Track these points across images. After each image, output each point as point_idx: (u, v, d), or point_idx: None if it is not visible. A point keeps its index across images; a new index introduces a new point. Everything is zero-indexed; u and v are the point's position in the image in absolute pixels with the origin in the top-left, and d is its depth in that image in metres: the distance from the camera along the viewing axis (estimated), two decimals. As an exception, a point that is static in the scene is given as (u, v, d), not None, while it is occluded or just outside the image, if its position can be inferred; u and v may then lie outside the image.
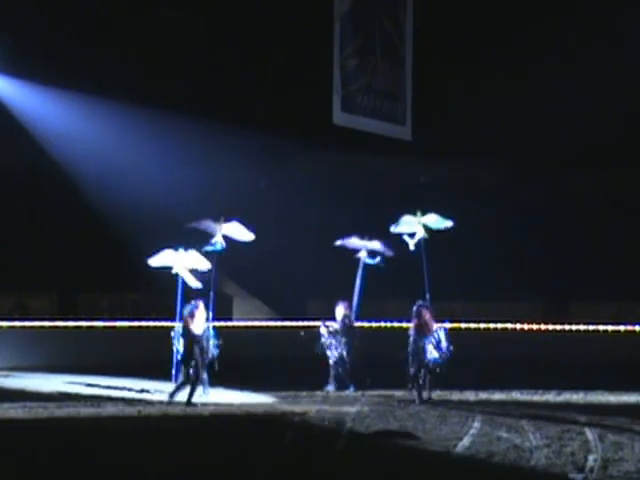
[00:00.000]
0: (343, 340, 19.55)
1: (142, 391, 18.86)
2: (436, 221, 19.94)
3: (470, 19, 29.05)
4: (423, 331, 18.34)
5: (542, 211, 32.57)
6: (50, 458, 12.73)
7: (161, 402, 17.76)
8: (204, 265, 19.33)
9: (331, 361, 19.54)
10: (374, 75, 24.01)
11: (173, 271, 19.28)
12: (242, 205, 29.87)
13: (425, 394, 18.22)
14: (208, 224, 19.54)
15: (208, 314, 18.24)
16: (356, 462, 12.72)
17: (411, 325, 18.62)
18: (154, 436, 14.43)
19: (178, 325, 18.67)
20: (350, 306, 19.93)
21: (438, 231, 20.02)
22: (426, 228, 19.86)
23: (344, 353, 19.49)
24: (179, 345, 18.36)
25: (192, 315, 17.79)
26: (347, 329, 19.68)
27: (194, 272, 19.30)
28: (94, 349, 24.53)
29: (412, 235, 19.91)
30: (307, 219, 29.93)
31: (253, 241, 20.10)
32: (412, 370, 18.13)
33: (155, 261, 19.37)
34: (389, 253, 20.52)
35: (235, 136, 29.56)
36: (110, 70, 27.61)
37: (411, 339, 18.35)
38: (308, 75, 27.19)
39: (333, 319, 19.99)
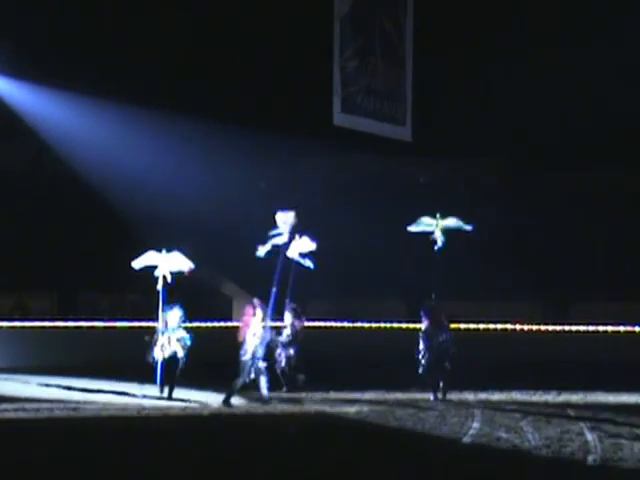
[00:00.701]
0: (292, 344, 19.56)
1: (144, 396, 18.83)
2: (455, 222, 20.09)
3: (470, 19, 29.03)
4: (438, 328, 18.57)
5: (542, 211, 32.54)
6: (50, 458, 12.74)
7: (162, 398, 17.83)
8: (187, 265, 19.41)
9: (278, 366, 19.47)
10: (374, 76, 23.99)
11: (156, 273, 19.30)
12: (242, 206, 29.90)
13: (440, 394, 18.40)
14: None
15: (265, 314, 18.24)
16: (356, 462, 12.73)
17: (423, 324, 18.80)
18: (154, 436, 14.44)
19: (159, 326, 18.65)
20: (294, 309, 19.87)
21: (455, 231, 20.13)
22: (444, 231, 19.96)
23: (288, 354, 19.46)
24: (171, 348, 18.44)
25: (254, 315, 17.82)
26: (296, 332, 19.66)
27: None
28: (95, 349, 24.51)
29: (428, 234, 20.03)
30: (307, 220, 29.87)
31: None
32: (426, 367, 18.36)
33: (139, 263, 19.43)
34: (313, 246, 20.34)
35: (236, 137, 29.56)
36: (112, 70, 27.63)
37: (425, 336, 18.56)
38: (308, 76, 27.17)
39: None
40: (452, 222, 20.14)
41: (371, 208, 30.74)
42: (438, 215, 20.13)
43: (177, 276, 19.45)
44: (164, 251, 19.30)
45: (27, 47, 26.38)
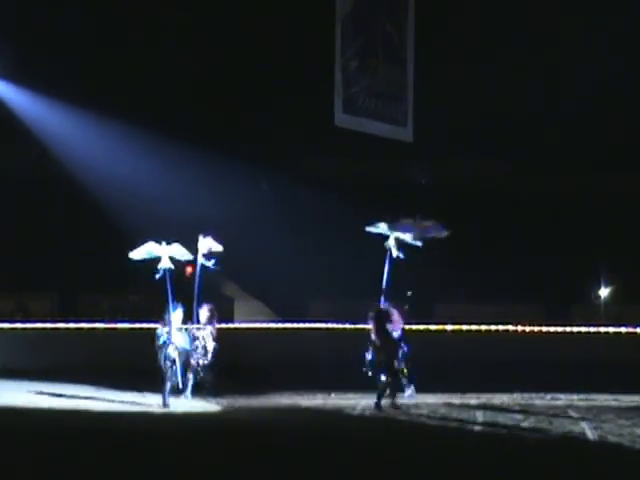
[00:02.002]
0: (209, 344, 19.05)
1: (144, 397, 18.77)
2: (406, 237, 20.15)
3: (471, 20, 29.02)
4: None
5: (543, 212, 32.53)
6: (50, 458, 12.71)
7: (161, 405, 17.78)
8: (186, 256, 19.24)
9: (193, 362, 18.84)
10: (375, 77, 24.01)
11: (159, 265, 18.94)
12: (243, 207, 29.89)
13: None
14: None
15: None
16: (356, 464, 12.71)
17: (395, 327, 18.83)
18: (154, 438, 14.40)
19: (161, 328, 18.38)
20: (212, 309, 19.44)
21: (405, 244, 20.16)
22: (397, 240, 19.99)
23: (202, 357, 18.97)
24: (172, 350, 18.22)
25: (390, 317, 17.85)
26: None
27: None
28: (95, 351, 24.45)
29: (384, 237, 20.08)
30: (309, 221, 29.93)
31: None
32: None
33: (138, 253, 19.10)
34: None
35: (236, 138, 29.57)
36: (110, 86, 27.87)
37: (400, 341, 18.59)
38: (309, 77, 27.18)
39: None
40: (403, 235, 20.15)
41: (372, 209, 30.70)
42: (389, 225, 20.07)
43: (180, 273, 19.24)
44: (164, 243, 19.05)
45: (27, 53, 26.50)
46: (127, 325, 25.45)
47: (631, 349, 25.54)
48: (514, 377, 21.30)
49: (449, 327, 25.25)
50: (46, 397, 18.65)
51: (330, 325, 26.26)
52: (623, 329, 26.68)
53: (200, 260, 19.58)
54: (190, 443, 13.94)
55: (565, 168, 32.40)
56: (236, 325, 27.03)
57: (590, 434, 14.55)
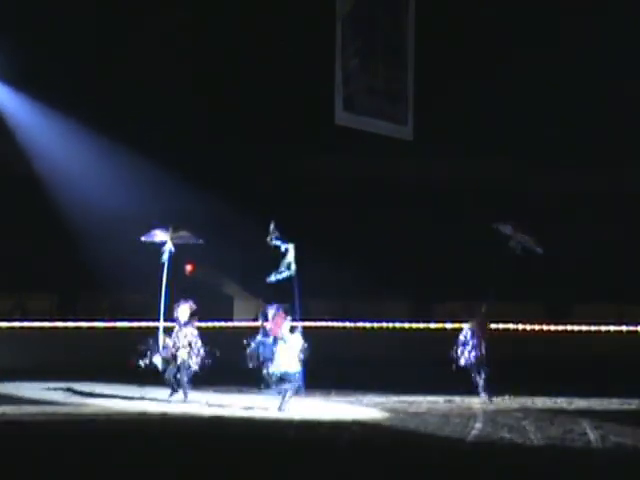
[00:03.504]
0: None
1: (142, 398, 18.73)
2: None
3: (471, 18, 29.05)
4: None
5: (542, 211, 32.51)
6: (50, 459, 12.69)
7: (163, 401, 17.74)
8: (191, 239, 19.46)
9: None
10: (375, 75, 24.04)
11: (164, 248, 19.26)
12: (242, 206, 29.87)
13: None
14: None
15: None
16: (357, 463, 12.69)
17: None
18: (154, 438, 14.38)
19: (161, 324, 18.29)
20: (192, 307, 18.80)
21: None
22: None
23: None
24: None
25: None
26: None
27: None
28: (94, 350, 24.44)
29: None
30: (309, 220, 29.90)
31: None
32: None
33: (147, 237, 19.57)
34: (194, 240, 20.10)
35: (235, 138, 29.55)
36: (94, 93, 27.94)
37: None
38: (310, 75, 27.17)
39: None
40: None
41: (372, 208, 30.73)
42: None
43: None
44: (170, 228, 19.42)
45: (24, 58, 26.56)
46: (126, 324, 25.45)
47: (631, 348, 25.56)
48: (514, 376, 21.32)
49: (449, 325, 25.21)
50: (45, 397, 18.62)
51: (330, 324, 26.28)
52: (624, 328, 26.70)
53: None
54: (190, 443, 13.92)
55: (565, 168, 32.39)
56: (235, 324, 27.04)
57: (591, 433, 14.53)
